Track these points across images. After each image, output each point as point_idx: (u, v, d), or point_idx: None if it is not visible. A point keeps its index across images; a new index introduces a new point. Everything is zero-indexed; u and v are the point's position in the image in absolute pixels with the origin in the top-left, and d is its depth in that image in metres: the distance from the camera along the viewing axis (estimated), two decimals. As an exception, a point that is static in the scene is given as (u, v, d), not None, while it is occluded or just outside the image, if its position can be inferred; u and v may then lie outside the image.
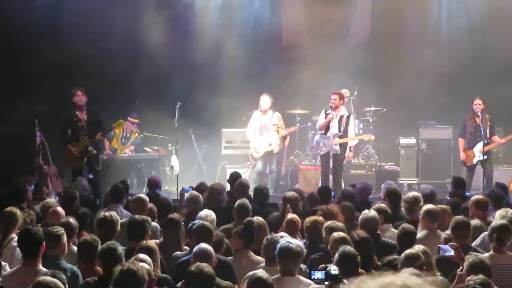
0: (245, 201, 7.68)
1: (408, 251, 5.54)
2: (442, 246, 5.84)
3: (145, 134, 13.55)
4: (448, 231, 6.55)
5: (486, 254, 5.84)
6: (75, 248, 6.29)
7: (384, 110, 13.57)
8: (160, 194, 9.13)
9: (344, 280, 4.98)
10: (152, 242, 6.04)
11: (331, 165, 11.21)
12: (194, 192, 8.49)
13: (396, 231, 6.84)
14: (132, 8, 13.62)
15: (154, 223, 7.16)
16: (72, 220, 6.64)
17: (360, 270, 5.35)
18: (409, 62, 13.82)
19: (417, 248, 5.64)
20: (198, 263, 5.04)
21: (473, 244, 6.54)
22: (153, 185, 9.59)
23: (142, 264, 4.89)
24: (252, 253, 6.43)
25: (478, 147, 11.67)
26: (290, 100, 13.51)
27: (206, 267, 4.95)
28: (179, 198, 9.52)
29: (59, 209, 7.30)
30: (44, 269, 5.39)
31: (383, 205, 7.64)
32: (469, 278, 4.79)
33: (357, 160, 13.46)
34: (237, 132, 13.53)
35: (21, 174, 11.33)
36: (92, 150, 11.05)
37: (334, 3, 14.32)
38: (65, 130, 11.20)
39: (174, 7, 14.01)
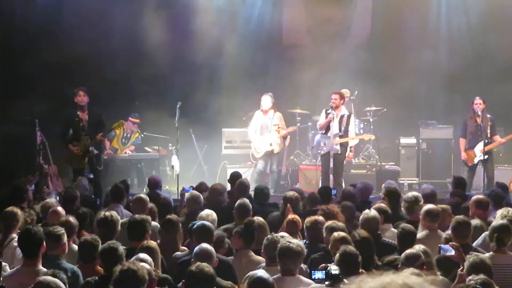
0: (246, 201, 7.68)
1: (408, 251, 5.54)
2: (442, 246, 5.84)
3: (145, 134, 13.55)
4: (449, 231, 6.55)
5: (487, 254, 5.83)
6: (75, 247, 6.29)
7: (385, 109, 13.57)
8: (161, 194, 9.14)
9: (344, 280, 4.97)
10: (153, 242, 6.03)
11: (331, 165, 11.20)
12: (195, 192, 8.49)
13: (396, 231, 6.83)
14: (132, 7, 13.62)
15: (154, 223, 7.16)
16: (71, 218, 6.64)
17: (360, 270, 5.34)
18: (409, 62, 13.83)
19: (418, 248, 5.64)
20: (198, 263, 5.03)
21: (474, 244, 6.53)
22: (154, 185, 9.59)
23: (142, 264, 4.89)
24: (252, 253, 6.42)
25: (479, 147, 11.67)
26: (290, 100, 13.51)
27: (207, 267, 4.95)
28: (179, 198, 9.51)
29: (59, 209, 7.30)
30: (44, 269, 5.38)
31: (383, 204, 7.63)
32: (470, 278, 4.78)
33: (357, 160, 13.46)
34: (238, 132, 13.53)
35: (21, 174, 11.33)
36: (93, 151, 11.03)
37: (334, 3, 14.32)
38: (66, 130, 11.18)
39: (174, 7, 14.01)
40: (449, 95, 13.58)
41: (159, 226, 7.14)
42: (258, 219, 6.89)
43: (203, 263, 5.01)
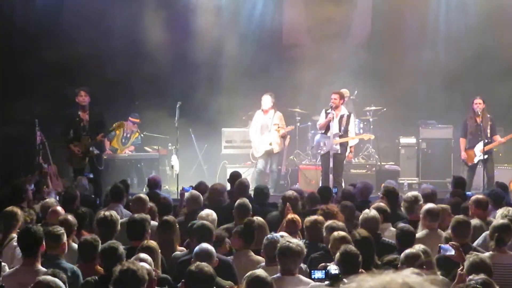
0: (245, 200, 7.68)
1: (408, 251, 5.54)
2: (442, 245, 5.83)
3: (145, 133, 13.55)
4: (449, 231, 6.55)
5: (487, 254, 5.83)
6: (75, 246, 6.29)
7: (384, 109, 13.57)
8: (160, 193, 9.13)
9: (344, 279, 4.97)
10: (153, 242, 6.03)
11: (331, 164, 11.20)
12: (194, 192, 8.48)
13: (395, 230, 6.83)
14: (132, 7, 13.62)
15: (154, 222, 7.17)
16: (70, 217, 6.64)
17: (360, 270, 5.34)
18: (409, 62, 13.83)
19: (418, 247, 5.63)
20: (198, 263, 5.03)
21: (474, 244, 6.53)
22: (153, 185, 9.59)
23: (142, 264, 4.88)
24: (252, 253, 6.42)
25: (479, 147, 11.67)
26: (290, 100, 13.51)
27: (206, 266, 4.94)
28: (179, 197, 9.51)
29: (59, 208, 7.30)
30: (44, 269, 5.38)
31: (382, 204, 7.63)
32: (470, 277, 4.78)
33: (357, 159, 13.45)
34: (238, 132, 13.53)
35: (21, 174, 11.33)
36: (93, 151, 11.03)
37: (334, 3, 14.31)
38: (67, 130, 11.18)
39: (174, 7, 14.01)
40: (449, 94, 13.58)
41: (159, 226, 7.16)
42: (258, 219, 6.89)
43: (203, 263, 5.01)
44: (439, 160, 13.46)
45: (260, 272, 4.97)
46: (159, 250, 5.94)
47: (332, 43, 13.95)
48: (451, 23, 14.53)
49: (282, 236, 6.05)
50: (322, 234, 6.41)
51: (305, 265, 5.88)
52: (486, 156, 11.63)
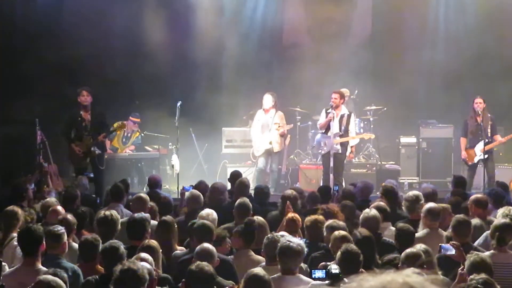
0: (246, 200, 7.68)
1: (408, 250, 5.54)
2: (443, 245, 5.83)
3: (145, 133, 13.55)
4: (449, 230, 6.55)
5: (487, 253, 5.82)
6: (75, 245, 6.29)
7: (385, 109, 13.57)
8: (161, 193, 9.14)
9: (344, 279, 4.97)
10: (154, 242, 6.03)
11: (331, 164, 11.20)
12: (195, 191, 8.48)
13: (394, 229, 6.83)
14: (132, 7, 13.62)
15: (154, 222, 7.16)
16: (70, 216, 6.64)
17: (361, 269, 5.33)
18: (409, 61, 13.84)
19: (418, 247, 5.63)
20: (198, 262, 5.03)
21: (475, 243, 6.53)
22: (154, 184, 9.59)
23: (143, 263, 4.88)
24: (252, 253, 6.42)
25: (480, 146, 11.66)
26: (290, 99, 13.51)
27: (206, 266, 4.94)
28: (179, 197, 9.51)
29: (59, 208, 7.30)
30: (44, 268, 5.38)
31: (382, 203, 7.63)
32: (471, 277, 4.77)
33: (357, 159, 13.45)
34: (238, 131, 13.53)
35: (22, 173, 11.32)
36: (94, 151, 11.02)
37: (334, 3, 14.31)
38: (68, 129, 11.17)
39: (174, 7, 14.01)
40: (449, 94, 13.57)
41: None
42: (258, 218, 6.89)
43: (203, 262, 5.01)
44: (440, 159, 13.45)
45: (258, 270, 4.97)
46: (160, 250, 5.94)
47: (332, 43, 13.96)
48: (451, 23, 14.53)
49: (282, 236, 6.04)
50: (323, 234, 6.41)
51: (306, 265, 5.88)
52: (486, 156, 11.63)
